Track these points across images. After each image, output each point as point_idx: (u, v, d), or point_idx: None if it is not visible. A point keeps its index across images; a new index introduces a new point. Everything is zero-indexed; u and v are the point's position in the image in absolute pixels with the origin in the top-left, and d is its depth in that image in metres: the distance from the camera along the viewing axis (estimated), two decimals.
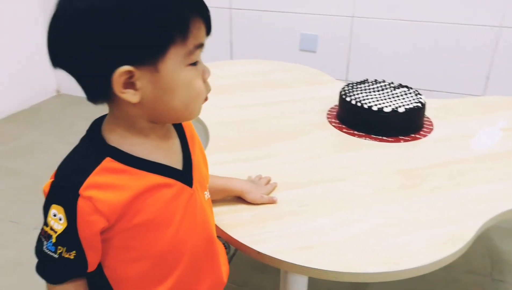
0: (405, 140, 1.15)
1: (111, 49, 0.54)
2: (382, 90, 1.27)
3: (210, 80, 0.63)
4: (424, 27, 2.10)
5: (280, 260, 0.74)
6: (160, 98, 0.59)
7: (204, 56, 0.62)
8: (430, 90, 2.12)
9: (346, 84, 1.31)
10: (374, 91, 1.26)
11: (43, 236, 0.59)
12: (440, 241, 0.79)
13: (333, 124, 1.23)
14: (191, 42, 0.58)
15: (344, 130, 1.20)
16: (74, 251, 0.58)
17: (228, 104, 1.37)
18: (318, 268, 0.73)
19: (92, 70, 0.56)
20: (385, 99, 1.21)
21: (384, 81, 1.33)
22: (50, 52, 0.58)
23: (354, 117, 1.20)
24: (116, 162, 0.59)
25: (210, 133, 1.18)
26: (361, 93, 1.24)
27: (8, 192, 1.94)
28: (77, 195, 0.56)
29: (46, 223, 0.59)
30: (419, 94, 1.25)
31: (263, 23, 2.37)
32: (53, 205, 0.58)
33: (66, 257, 0.59)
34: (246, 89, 1.50)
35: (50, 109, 2.79)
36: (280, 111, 1.33)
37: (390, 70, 2.21)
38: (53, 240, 0.58)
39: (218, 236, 0.77)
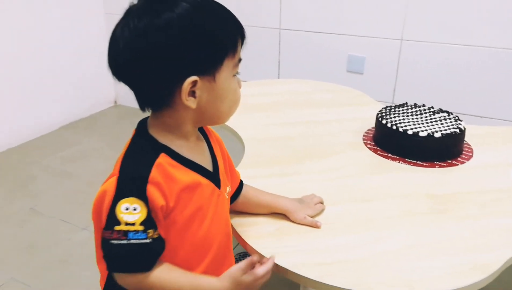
0: (441, 166, 1.13)
1: (183, 62, 0.64)
2: (421, 114, 1.26)
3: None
4: (475, 51, 2.04)
5: (296, 274, 0.76)
6: (212, 103, 0.69)
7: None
8: (480, 116, 2.05)
9: (384, 106, 1.32)
10: (412, 115, 1.25)
11: (116, 237, 0.62)
12: (463, 269, 0.78)
13: (368, 145, 1.24)
14: (237, 56, 0.70)
15: (379, 152, 1.20)
16: (157, 231, 0.65)
17: (267, 121, 1.41)
18: (333, 285, 0.74)
19: (160, 81, 0.65)
20: (423, 124, 1.20)
21: (424, 105, 1.32)
22: (117, 67, 0.66)
23: (388, 140, 1.20)
24: (169, 157, 0.68)
25: (246, 148, 1.22)
26: (399, 116, 1.24)
27: (62, 193, 2.09)
28: (146, 183, 0.63)
29: (116, 222, 0.62)
30: (459, 119, 1.23)
31: (311, 44, 2.41)
32: (122, 200, 0.62)
33: (156, 237, 0.65)
34: (287, 107, 1.54)
35: (107, 119, 2.98)
36: (317, 130, 1.35)
37: (438, 95, 2.16)
38: (139, 228, 0.62)
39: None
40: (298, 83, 1.84)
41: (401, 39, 2.19)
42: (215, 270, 0.74)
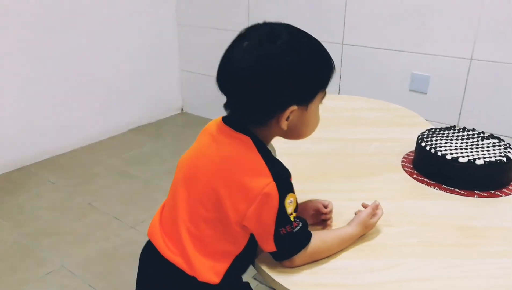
0: (481, 196, 1.04)
1: (291, 92, 0.74)
2: (468, 138, 1.17)
3: None
4: None
5: None
6: (299, 127, 0.79)
7: None
8: None
9: (429, 128, 1.24)
10: (457, 139, 1.17)
11: (291, 229, 0.75)
12: None
13: (405, 168, 1.17)
14: (325, 90, 0.80)
15: (415, 176, 1.13)
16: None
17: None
18: None
19: (269, 104, 0.74)
20: (467, 149, 1.11)
21: (474, 130, 1.22)
22: (232, 85, 0.75)
23: (426, 164, 1.13)
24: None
25: None
26: (441, 139, 1.16)
27: (119, 193, 2.23)
28: (290, 177, 0.77)
29: (287, 218, 0.74)
30: (509, 147, 1.12)
31: (373, 60, 2.34)
32: (288, 196, 0.74)
33: (302, 217, 0.80)
34: (331, 123, 1.51)
35: (172, 125, 3.13)
36: (356, 149, 1.31)
37: (508, 120, 1.99)
38: (294, 214, 0.76)
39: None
40: (352, 100, 1.80)
41: (471, 59, 2.05)
42: None
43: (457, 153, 1.09)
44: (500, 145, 1.13)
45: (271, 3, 2.64)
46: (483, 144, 1.14)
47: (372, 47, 2.33)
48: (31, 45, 2.39)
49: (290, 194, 0.75)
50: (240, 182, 0.73)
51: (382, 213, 0.89)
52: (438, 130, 1.23)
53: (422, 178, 1.12)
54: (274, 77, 0.71)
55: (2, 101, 2.34)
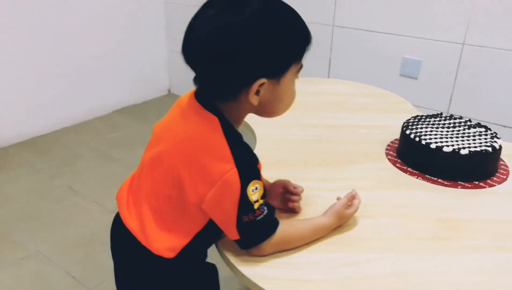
0: (464, 187, 1.00)
1: (257, 64, 0.68)
2: (454, 127, 1.13)
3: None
4: None
5: (259, 286, 0.70)
6: (271, 102, 0.74)
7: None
8: None
9: (415, 115, 1.20)
10: (443, 127, 1.12)
11: (253, 217, 0.71)
12: None
13: (389, 156, 1.13)
14: (300, 63, 0.74)
15: (398, 165, 1.09)
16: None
17: (289, 121, 1.33)
18: None
19: (234, 78, 0.69)
20: (452, 138, 1.07)
21: (461, 118, 1.18)
22: (194, 57, 0.70)
23: (409, 153, 1.08)
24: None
25: (257, 146, 1.17)
26: (427, 127, 1.12)
27: (101, 176, 2.18)
28: (257, 164, 0.74)
29: (250, 206, 0.71)
30: (496, 137, 1.08)
31: (364, 43, 2.28)
32: (251, 183, 0.70)
33: (270, 205, 0.80)
34: (318, 109, 1.45)
35: (159, 107, 3.06)
36: (340, 136, 1.26)
37: (499, 107, 1.95)
38: (261, 201, 0.72)
39: None
40: (341, 84, 1.75)
41: (463, 43, 1.99)
42: None
43: (441, 142, 1.04)
44: (486, 135, 1.09)
45: None
46: (469, 132, 1.10)
47: (363, 30, 2.26)
48: (10, 21, 2.30)
49: (254, 181, 0.71)
50: (201, 164, 0.70)
51: (359, 203, 0.84)
52: (424, 117, 1.18)
53: (405, 168, 1.07)
54: (238, 48, 0.66)
55: None
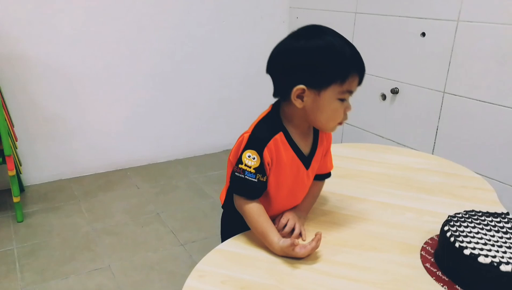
0: None
1: (301, 73, 0.91)
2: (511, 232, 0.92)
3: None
4: None
5: None
6: (313, 111, 0.94)
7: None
8: None
9: (472, 209, 1.02)
10: (497, 231, 0.92)
11: (240, 172, 0.95)
12: None
13: (424, 251, 0.97)
14: (345, 86, 0.92)
15: (428, 264, 0.93)
16: (265, 177, 0.96)
17: (340, 191, 1.26)
18: None
19: (284, 80, 0.94)
20: (501, 246, 0.87)
21: None
22: (268, 65, 0.97)
23: (443, 254, 0.91)
24: (283, 136, 0.97)
25: None
26: (476, 227, 0.93)
27: (188, 208, 2.30)
28: (265, 145, 0.94)
29: (241, 162, 0.94)
30: None
31: (475, 117, 2.02)
32: (248, 150, 0.94)
33: (262, 181, 0.96)
34: (374, 180, 1.33)
35: None
36: (378, 215, 1.13)
37: None
38: (252, 171, 0.94)
39: None
40: (419, 157, 1.58)
41: None
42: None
43: (483, 249, 0.86)
44: None
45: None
46: None
47: (476, 100, 2.01)
48: (140, 61, 2.68)
49: (250, 151, 0.93)
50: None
51: (313, 249, 0.91)
52: (482, 213, 0.99)
53: (435, 270, 0.91)
54: (287, 58, 0.92)
55: (113, 110, 2.66)
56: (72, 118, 2.54)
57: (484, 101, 1.99)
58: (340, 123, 0.97)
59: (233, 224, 1.05)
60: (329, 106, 0.92)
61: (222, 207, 1.12)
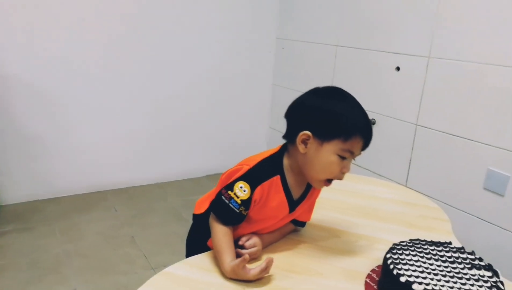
0: None
1: (310, 121, 0.98)
2: (453, 262, 0.94)
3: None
4: None
5: None
6: (312, 159, 0.99)
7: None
8: None
9: (416, 239, 1.04)
10: (437, 260, 0.95)
11: (226, 197, 0.99)
12: None
13: (369, 279, 0.99)
14: (347, 145, 0.96)
15: None
16: (247, 211, 1.00)
17: None
18: None
19: (294, 125, 1.01)
20: (436, 275, 0.89)
21: (472, 253, 0.98)
22: (287, 112, 1.05)
23: (383, 281, 0.93)
24: (279, 180, 1.03)
25: None
26: (415, 255, 0.96)
27: (162, 232, 2.29)
28: (259, 183, 0.99)
29: (231, 189, 0.99)
30: (497, 287, 0.86)
31: (446, 149, 2.06)
32: (243, 181, 0.98)
33: (243, 213, 1.00)
34: (338, 208, 1.36)
35: None
36: (331, 242, 1.15)
37: None
38: (238, 201, 0.98)
39: None
40: (387, 187, 1.61)
41: None
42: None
43: (418, 276, 0.88)
44: (487, 281, 0.88)
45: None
46: (468, 274, 0.91)
47: (446, 133, 2.06)
48: (122, 84, 2.73)
49: (244, 183, 0.98)
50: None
51: (264, 270, 0.93)
52: (425, 243, 1.01)
53: None
54: (303, 109, 1.00)
55: (94, 132, 2.69)
56: (52, 138, 2.57)
57: (452, 135, 2.04)
58: (330, 182, 1.02)
59: (201, 235, 1.10)
60: (327, 158, 0.97)
61: (195, 215, 1.15)
